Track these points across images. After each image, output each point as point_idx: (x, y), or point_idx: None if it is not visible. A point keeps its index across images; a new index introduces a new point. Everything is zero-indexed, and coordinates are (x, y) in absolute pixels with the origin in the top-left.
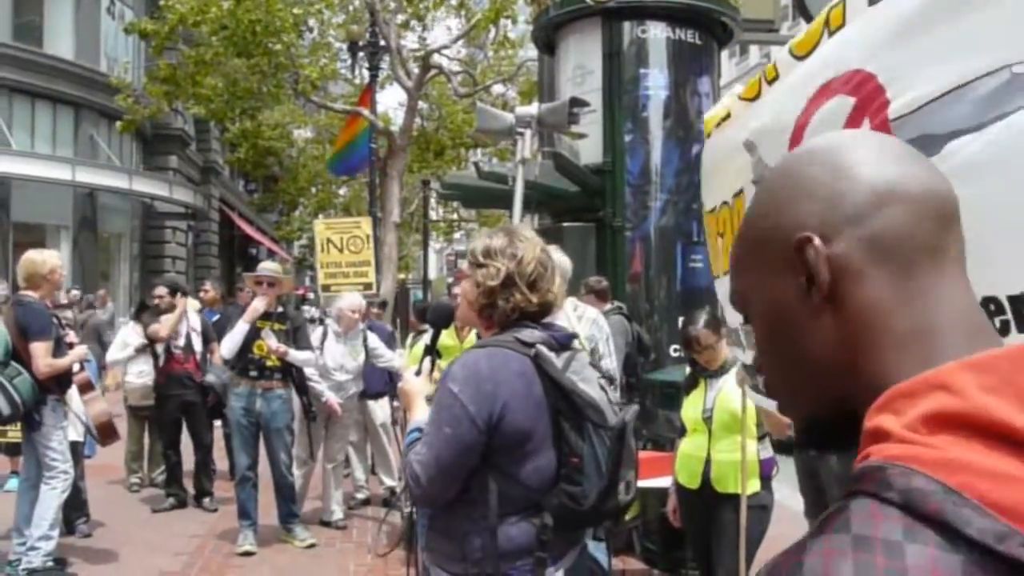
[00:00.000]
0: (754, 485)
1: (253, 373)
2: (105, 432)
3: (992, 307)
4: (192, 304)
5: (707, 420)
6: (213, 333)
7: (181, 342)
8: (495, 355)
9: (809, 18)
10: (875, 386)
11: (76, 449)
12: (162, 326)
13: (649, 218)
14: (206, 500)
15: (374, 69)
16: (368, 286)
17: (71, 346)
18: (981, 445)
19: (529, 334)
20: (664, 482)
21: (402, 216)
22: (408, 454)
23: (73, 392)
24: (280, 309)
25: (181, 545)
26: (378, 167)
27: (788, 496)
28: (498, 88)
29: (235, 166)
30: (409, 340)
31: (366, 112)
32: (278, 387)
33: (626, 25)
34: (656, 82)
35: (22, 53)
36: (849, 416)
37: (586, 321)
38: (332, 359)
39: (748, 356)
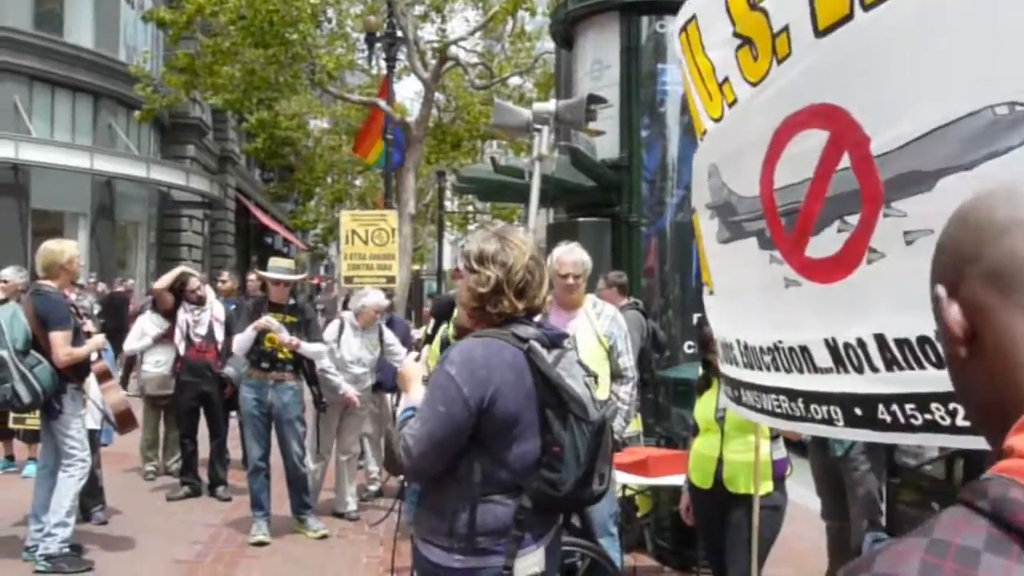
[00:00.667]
0: (767, 486)
1: (265, 365)
2: (124, 420)
3: None
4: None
5: (719, 420)
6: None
7: (203, 331)
8: (491, 345)
9: None
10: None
11: (93, 437)
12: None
13: (665, 214)
14: (220, 489)
15: (391, 60)
16: (391, 279)
17: (88, 335)
18: None
19: (524, 330)
20: (677, 480)
21: (417, 207)
22: (402, 428)
23: (91, 380)
24: (292, 301)
25: (195, 534)
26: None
27: (803, 496)
28: (515, 80)
29: (252, 155)
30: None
31: (383, 103)
32: (290, 379)
33: (644, 20)
34: (674, 77)
35: (42, 41)
36: None
37: (604, 318)
38: (349, 352)
39: (729, 369)
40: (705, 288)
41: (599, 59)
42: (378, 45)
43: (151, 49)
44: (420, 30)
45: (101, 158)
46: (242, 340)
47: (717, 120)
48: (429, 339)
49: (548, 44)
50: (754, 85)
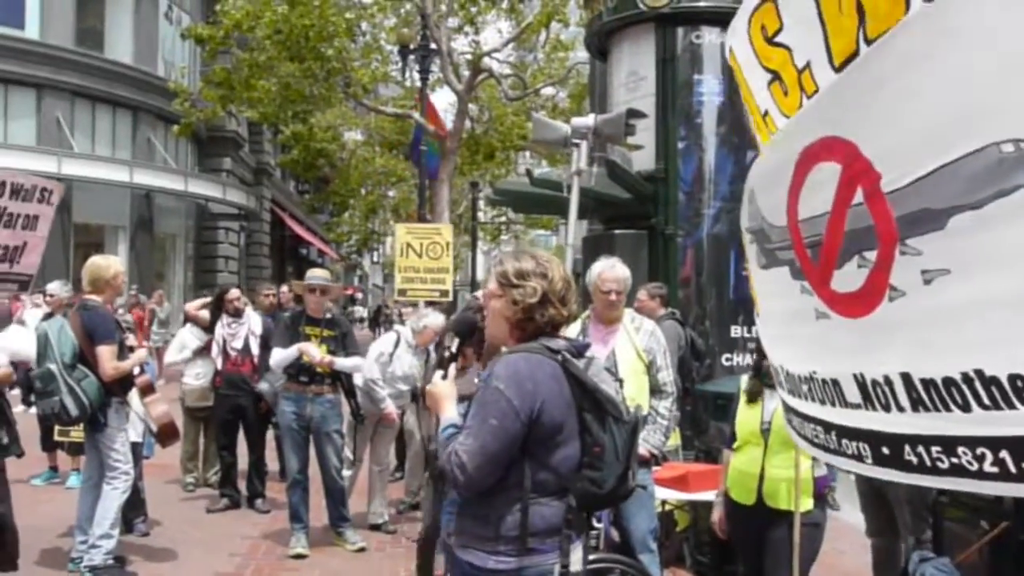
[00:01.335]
0: (807, 503)
1: (303, 378)
2: (167, 433)
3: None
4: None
5: (764, 432)
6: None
7: (239, 344)
8: (531, 359)
9: None
10: None
11: (135, 450)
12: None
13: (702, 225)
14: (258, 502)
15: (425, 72)
16: (444, 293)
17: (131, 349)
18: None
19: (554, 342)
20: None
21: (450, 218)
22: (450, 446)
23: (133, 394)
24: (328, 315)
25: (235, 546)
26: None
27: (848, 512)
28: (548, 90)
29: (287, 168)
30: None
31: (416, 115)
32: (327, 392)
33: (680, 31)
34: (710, 88)
35: (84, 58)
36: None
37: (644, 333)
38: (400, 368)
39: (780, 391)
40: (755, 308)
41: (634, 70)
42: (412, 57)
43: (189, 64)
44: (453, 42)
45: (140, 172)
46: (281, 356)
47: (767, 144)
48: (454, 357)
49: (582, 54)
50: (787, 118)
